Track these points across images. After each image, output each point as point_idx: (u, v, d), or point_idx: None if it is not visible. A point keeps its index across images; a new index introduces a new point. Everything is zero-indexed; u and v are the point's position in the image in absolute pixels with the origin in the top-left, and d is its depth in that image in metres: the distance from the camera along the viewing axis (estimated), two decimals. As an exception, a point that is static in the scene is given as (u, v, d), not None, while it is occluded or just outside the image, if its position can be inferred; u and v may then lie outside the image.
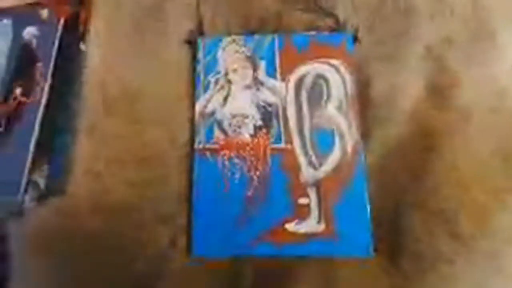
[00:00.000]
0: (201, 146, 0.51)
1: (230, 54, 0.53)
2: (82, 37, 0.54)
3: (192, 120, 0.52)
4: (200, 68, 0.53)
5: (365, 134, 0.51)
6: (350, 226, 0.48)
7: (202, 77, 0.53)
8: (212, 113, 0.52)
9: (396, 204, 0.49)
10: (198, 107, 0.52)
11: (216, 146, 0.51)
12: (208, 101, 0.52)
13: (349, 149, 0.50)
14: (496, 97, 0.52)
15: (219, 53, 0.54)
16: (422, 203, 0.48)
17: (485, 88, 0.52)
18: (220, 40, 0.54)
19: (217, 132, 0.51)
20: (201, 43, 0.54)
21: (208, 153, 0.50)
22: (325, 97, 0.52)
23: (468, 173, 0.49)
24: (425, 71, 0.53)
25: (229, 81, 0.53)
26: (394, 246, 0.48)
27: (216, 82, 0.53)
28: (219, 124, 0.51)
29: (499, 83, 0.52)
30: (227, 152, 0.50)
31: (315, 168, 0.50)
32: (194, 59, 0.54)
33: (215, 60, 0.53)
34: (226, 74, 0.53)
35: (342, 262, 0.48)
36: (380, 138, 0.51)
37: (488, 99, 0.51)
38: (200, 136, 0.51)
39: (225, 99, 0.52)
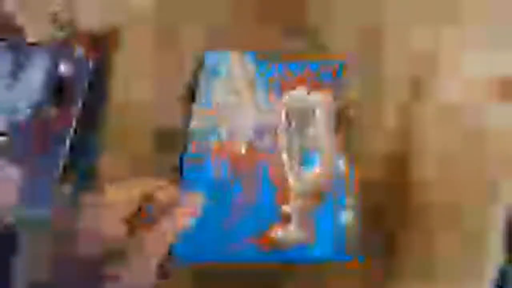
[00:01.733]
0: (193, 152, 0.55)
1: (231, 72, 0.59)
2: (107, 77, 0.63)
3: (188, 129, 0.57)
4: (202, 83, 0.59)
5: (348, 151, 0.54)
6: (332, 233, 0.50)
7: (204, 91, 0.58)
8: (209, 126, 0.57)
9: (379, 209, 0.51)
10: (195, 119, 0.57)
11: (208, 153, 0.55)
12: (207, 115, 0.57)
13: (332, 163, 0.54)
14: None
15: (222, 71, 0.59)
16: (406, 209, 0.51)
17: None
18: (223, 59, 0.59)
19: (211, 142, 0.56)
20: (205, 64, 0.59)
21: (199, 159, 0.55)
22: (313, 117, 0.56)
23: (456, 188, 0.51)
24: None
25: (228, 98, 0.58)
26: (379, 249, 0.50)
27: (216, 96, 0.58)
28: (215, 135, 0.56)
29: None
30: (218, 158, 0.55)
31: (300, 179, 0.53)
32: (199, 75, 0.59)
33: (216, 77, 0.59)
34: (227, 91, 0.58)
35: (329, 264, 0.50)
36: (364, 155, 0.54)
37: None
38: (194, 143, 0.56)
39: (223, 114, 0.57)
